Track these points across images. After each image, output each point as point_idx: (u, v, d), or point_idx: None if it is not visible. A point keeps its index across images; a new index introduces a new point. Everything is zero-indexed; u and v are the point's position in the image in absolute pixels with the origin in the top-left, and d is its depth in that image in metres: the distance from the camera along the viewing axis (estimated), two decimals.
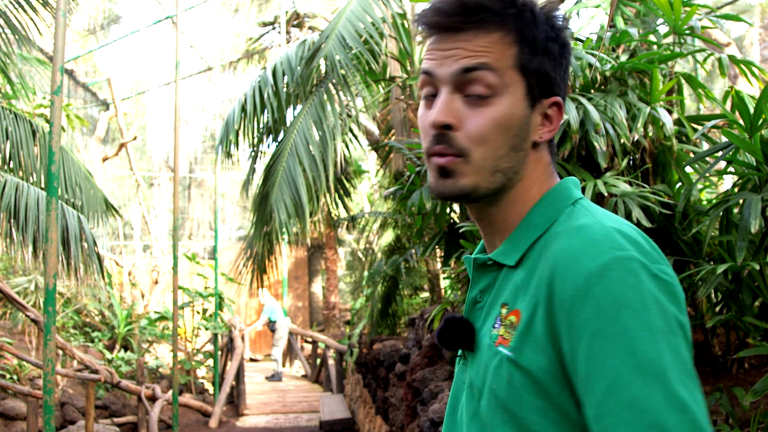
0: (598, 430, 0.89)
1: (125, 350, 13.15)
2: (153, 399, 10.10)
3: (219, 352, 13.87)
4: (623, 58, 4.38)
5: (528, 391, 0.99)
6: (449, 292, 7.59)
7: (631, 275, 0.93)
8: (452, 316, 1.18)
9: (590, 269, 0.95)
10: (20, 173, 6.94)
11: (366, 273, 12.42)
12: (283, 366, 17.19)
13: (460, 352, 1.21)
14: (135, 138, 18.05)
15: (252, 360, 18.74)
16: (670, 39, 4.50)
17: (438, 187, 1.12)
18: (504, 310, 1.08)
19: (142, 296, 17.22)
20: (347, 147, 9.25)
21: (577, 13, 5.40)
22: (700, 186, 4.44)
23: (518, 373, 1.00)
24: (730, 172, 3.78)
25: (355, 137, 9.38)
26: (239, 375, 13.06)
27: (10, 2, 6.25)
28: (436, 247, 6.11)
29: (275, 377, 15.47)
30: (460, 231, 4.75)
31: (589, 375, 0.91)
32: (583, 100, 3.88)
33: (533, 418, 0.99)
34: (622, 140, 3.87)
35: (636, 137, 3.87)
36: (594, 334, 0.92)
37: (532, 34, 1.11)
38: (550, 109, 1.15)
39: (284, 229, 7.79)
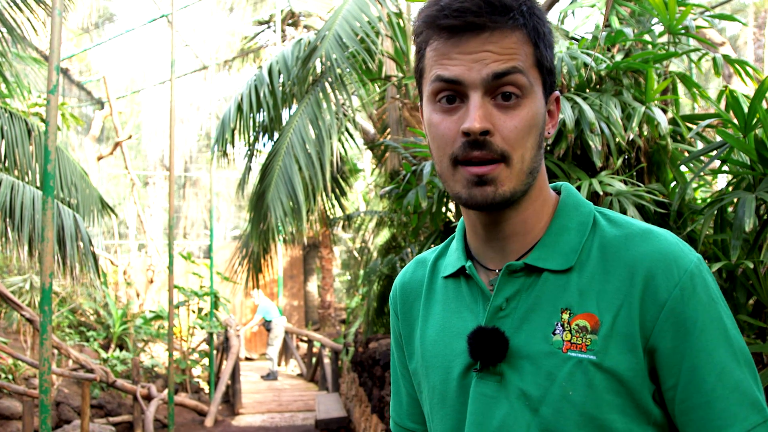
0: (713, 414, 1.01)
1: (121, 349, 13.15)
2: (148, 398, 10.10)
3: (214, 351, 13.86)
4: (618, 57, 4.40)
5: (609, 392, 1.03)
6: None
7: (710, 274, 1.06)
8: (482, 327, 1.13)
9: (690, 269, 1.04)
10: (16, 172, 6.93)
11: (362, 272, 12.42)
12: (279, 365, 17.20)
13: (463, 366, 1.16)
14: (130, 137, 18.03)
15: (247, 359, 18.73)
16: (664, 38, 4.52)
17: (474, 197, 1.07)
18: (566, 315, 1.07)
19: (138, 295, 17.20)
20: (343, 146, 9.25)
21: (573, 13, 5.41)
22: (694, 185, 4.46)
23: (601, 375, 1.03)
24: (725, 171, 3.80)
25: (351, 136, 9.38)
26: (235, 374, 13.05)
27: (6, 1, 6.24)
28: (432, 245, 6.12)
29: (271, 376, 15.47)
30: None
31: (698, 366, 1.01)
32: (579, 100, 3.90)
33: (614, 416, 1.03)
34: (617, 139, 3.88)
35: (631, 136, 3.88)
36: (702, 330, 1.02)
37: (543, 30, 1.10)
38: (553, 104, 1.16)
39: (280, 228, 7.80)
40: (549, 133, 1.15)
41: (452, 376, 1.18)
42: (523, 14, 1.06)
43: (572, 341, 1.05)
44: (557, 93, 1.16)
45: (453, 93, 1.07)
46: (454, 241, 1.29)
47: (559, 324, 1.07)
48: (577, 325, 1.05)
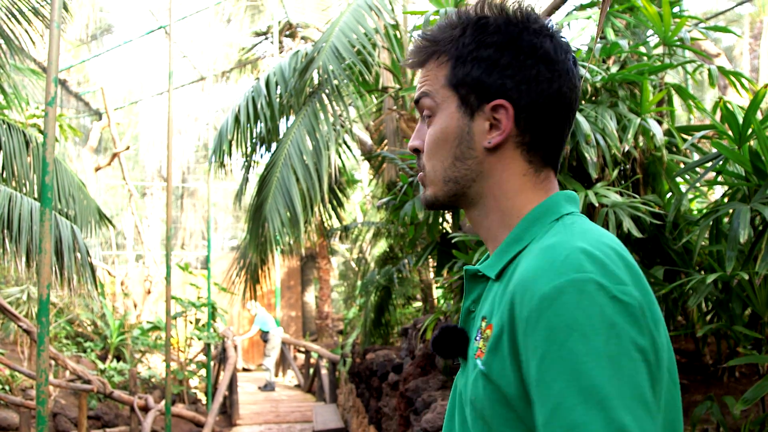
0: None
1: (118, 360, 13.13)
2: (145, 409, 10.07)
3: (212, 362, 13.84)
4: (614, 69, 4.42)
5: (499, 404, 1.01)
6: (442, 301, 7.61)
7: (586, 298, 0.93)
8: (447, 325, 1.19)
9: (545, 291, 0.95)
10: (13, 183, 6.93)
11: (359, 283, 12.42)
12: (276, 376, 17.19)
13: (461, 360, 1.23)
14: (128, 148, 18.04)
15: (245, 370, 18.70)
16: (660, 50, 4.55)
17: (420, 198, 1.27)
18: (483, 324, 1.09)
19: (135, 306, 17.17)
20: (340, 157, 9.27)
21: (568, 25, 5.44)
22: (690, 196, 4.48)
23: (490, 386, 1.01)
24: (720, 183, 3.82)
25: (348, 147, 9.40)
26: (232, 385, 13.03)
27: (4, 13, 6.26)
28: (429, 257, 6.14)
29: (268, 387, 15.46)
30: (453, 241, 4.77)
31: (537, 397, 0.92)
32: None
33: (505, 429, 1.00)
34: (612, 151, 3.90)
35: (626, 148, 3.90)
36: (543, 357, 0.92)
37: (464, 50, 1.16)
38: (494, 113, 1.15)
39: (278, 239, 7.81)
40: (489, 143, 1.16)
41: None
42: (437, 43, 1.20)
43: (482, 349, 1.06)
44: (498, 101, 1.15)
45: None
46: None
47: (479, 331, 1.10)
48: (486, 334, 1.07)
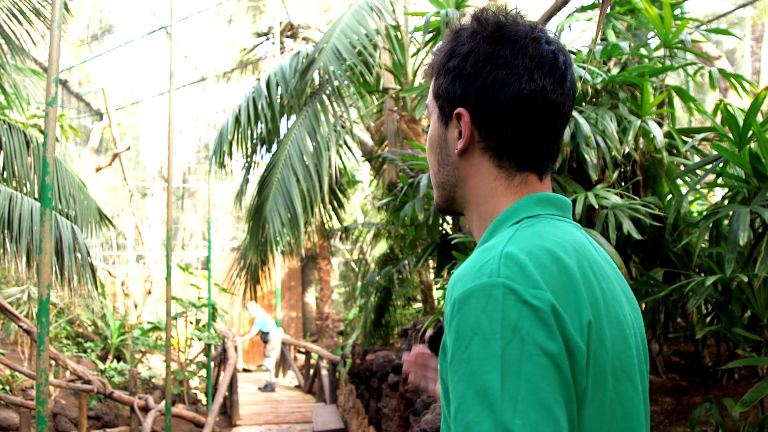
0: None
1: (118, 361, 13.12)
2: (146, 410, 10.07)
3: (212, 363, 13.84)
4: (614, 71, 4.42)
5: (446, 401, 1.03)
6: (442, 302, 7.61)
7: (491, 302, 0.96)
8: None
9: (456, 296, 1.00)
10: (14, 183, 6.94)
11: (359, 283, 12.42)
12: (276, 377, 17.20)
13: None
14: (128, 148, 18.04)
15: (245, 370, 18.70)
16: (660, 52, 4.55)
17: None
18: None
19: (135, 306, 17.16)
20: (341, 158, 9.27)
21: (569, 27, 5.44)
22: (690, 198, 4.48)
23: (443, 385, 1.04)
24: (720, 185, 3.82)
25: (349, 148, 9.41)
26: (232, 385, 13.03)
27: (5, 13, 6.27)
28: (429, 258, 6.14)
29: (268, 388, 15.46)
30: (453, 242, 4.77)
31: (448, 395, 0.98)
32: (575, 113, 3.91)
33: (449, 425, 1.02)
34: (612, 153, 3.90)
35: (627, 150, 3.90)
36: (451, 359, 0.97)
37: (439, 63, 1.23)
38: (458, 121, 1.19)
39: (279, 240, 7.81)
40: (456, 149, 1.20)
41: None
42: (437, 57, 1.25)
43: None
44: (457, 110, 1.19)
45: None
46: None
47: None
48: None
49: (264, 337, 15.72)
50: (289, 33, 18.64)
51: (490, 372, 0.92)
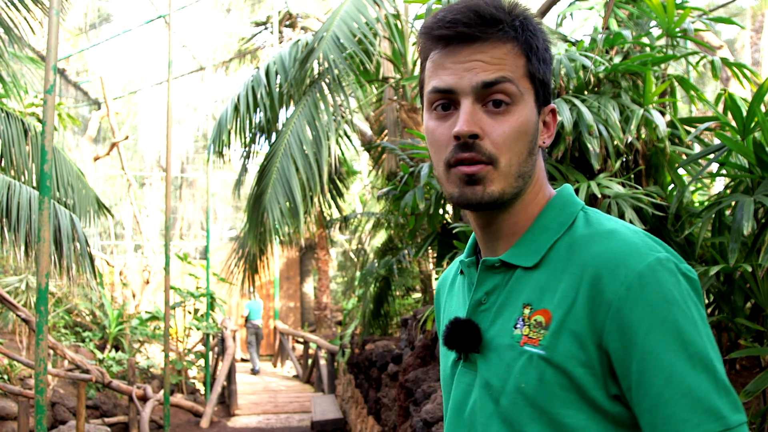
0: (659, 419, 0.98)
1: (116, 350, 13.11)
2: (144, 399, 10.08)
3: (210, 353, 13.85)
4: (616, 60, 4.39)
5: (560, 387, 1.04)
6: None
7: (672, 275, 1.02)
8: (458, 319, 1.19)
9: (639, 269, 1.02)
10: (12, 172, 6.91)
11: (358, 273, 12.42)
12: (275, 366, 17.54)
13: (455, 355, 1.24)
14: (126, 137, 18.01)
15: (243, 360, 18.74)
16: (662, 41, 4.52)
17: (465, 195, 1.13)
18: (527, 311, 1.11)
19: (133, 296, 17.16)
20: (340, 147, 9.25)
21: (571, 15, 5.41)
22: (692, 188, 4.46)
23: (551, 370, 1.05)
24: (723, 175, 3.80)
25: (348, 138, 9.38)
26: (230, 375, 13.04)
27: (3, 1, 6.22)
28: (429, 247, 6.12)
29: (255, 371, 16.61)
30: (454, 232, 4.75)
31: (645, 369, 0.99)
32: (577, 102, 3.89)
33: (565, 411, 1.04)
34: (615, 142, 3.88)
35: (629, 139, 3.88)
36: (648, 331, 0.99)
37: (536, 44, 1.16)
38: (548, 115, 1.21)
39: (278, 229, 7.79)
40: (544, 143, 1.20)
41: (448, 365, 1.28)
42: (514, 28, 1.14)
43: (529, 335, 1.09)
44: (553, 105, 1.21)
45: (447, 101, 1.15)
46: None
47: (521, 319, 1.11)
48: (535, 320, 1.09)
49: (246, 323, 16.87)
50: (287, 22, 18.58)
51: (695, 337, 0.99)
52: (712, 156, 3.50)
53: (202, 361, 14.13)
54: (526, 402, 1.06)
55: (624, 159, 4.25)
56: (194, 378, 14.79)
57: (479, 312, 1.18)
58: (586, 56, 4.20)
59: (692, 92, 4.33)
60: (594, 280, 1.04)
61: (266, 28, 19.65)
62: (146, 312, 14.30)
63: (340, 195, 10.19)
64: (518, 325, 1.11)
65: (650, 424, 0.99)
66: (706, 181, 4.85)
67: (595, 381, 1.03)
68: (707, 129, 3.93)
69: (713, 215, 3.42)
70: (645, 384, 0.99)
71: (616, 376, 1.03)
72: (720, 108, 4.24)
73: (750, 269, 3.08)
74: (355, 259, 13.15)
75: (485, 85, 1.11)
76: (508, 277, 1.16)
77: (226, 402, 13.09)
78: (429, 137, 1.18)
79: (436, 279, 8.14)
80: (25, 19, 6.40)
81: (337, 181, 9.91)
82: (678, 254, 1.07)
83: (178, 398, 11.91)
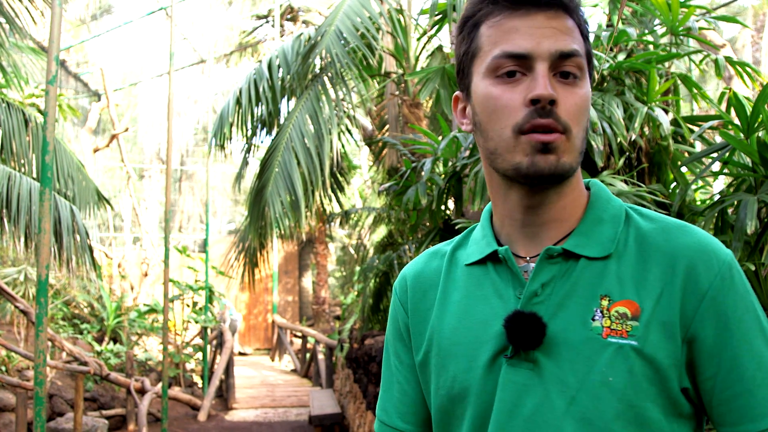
0: (755, 402, 1.03)
1: (114, 342, 13.11)
2: (142, 392, 10.08)
3: (208, 346, 13.86)
4: (621, 57, 4.38)
5: (646, 379, 1.03)
6: None
7: (740, 268, 1.09)
8: (519, 311, 1.10)
9: (728, 261, 1.07)
10: (12, 163, 6.90)
11: (357, 268, 12.42)
12: (273, 360, 17.46)
13: (492, 352, 1.14)
14: (126, 129, 17.98)
15: (241, 354, 18.75)
16: (666, 39, 4.51)
17: (537, 164, 1.07)
18: (605, 302, 1.07)
19: (132, 288, 17.15)
20: (341, 142, 9.25)
21: None
22: (694, 186, 4.46)
23: (641, 362, 1.03)
24: (726, 173, 3.79)
25: (350, 132, 9.38)
26: (228, 369, 13.04)
27: None
28: (431, 243, 6.12)
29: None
30: (456, 227, 4.75)
31: (739, 355, 1.03)
32: None
33: (649, 405, 1.03)
34: (618, 139, 3.88)
35: (633, 137, 3.87)
36: (741, 319, 1.05)
37: (587, 26, 1.15)
38: None
39: (279, 223, 7.79)
40: None
41: (477, 364, 1.15)
42: (575, 7, 1.12)
43: (612, 327, 1.05)
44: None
45: (516, 67, 1.09)
46: (477, 231, 1.29)
47: (599, 310, 1.07)
48: (617, 311, 1.06)
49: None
50: (289, 16, 18.56)
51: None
52: (715, 155, 3.49)
53: (200, 355, 14.14)
54: (613, 396, 1.03)
55: (627, 157, 4.24)
56: (192, 371, 14.79)
57: (533, 304, 1.11)
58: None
59: (695, 90, 4.32)
60: (688, 270, 1.06)
61: (267, 22, 19.62)
62: (144, 304, 14.29)
63: (341, 189, 10.19)
64: (596, 317, 1.06)
65: (743, 407, 1.03)
66: (709, 179, 4.85)
67: (676, 372, 1.04)
68: (711, 127, 3.92)
69: (716, 214, 3.42)
70: (739, 369, 1.03)
71: (694, 367, 1.06)
72: (722, 106, 4.22)
73: (753, 268, 3.07)
74: (355, 254, 13.16)
75: (562, 55, 1.07)
76: (567, 268, 1.12)
77: (224, 395, 13.09)
78: (490, 104, 1.11)
79: None
80: (27, 9, 6.38)
81: (338, 176, 9.91)
82: None
83: (175, 391, 11.91)
